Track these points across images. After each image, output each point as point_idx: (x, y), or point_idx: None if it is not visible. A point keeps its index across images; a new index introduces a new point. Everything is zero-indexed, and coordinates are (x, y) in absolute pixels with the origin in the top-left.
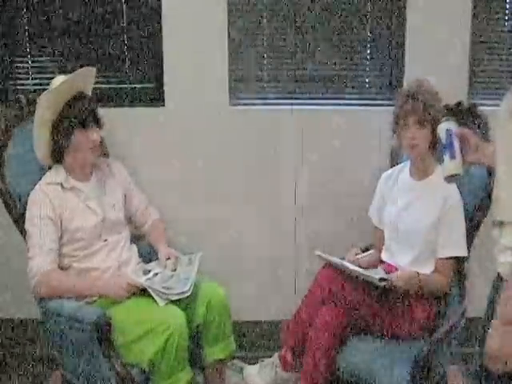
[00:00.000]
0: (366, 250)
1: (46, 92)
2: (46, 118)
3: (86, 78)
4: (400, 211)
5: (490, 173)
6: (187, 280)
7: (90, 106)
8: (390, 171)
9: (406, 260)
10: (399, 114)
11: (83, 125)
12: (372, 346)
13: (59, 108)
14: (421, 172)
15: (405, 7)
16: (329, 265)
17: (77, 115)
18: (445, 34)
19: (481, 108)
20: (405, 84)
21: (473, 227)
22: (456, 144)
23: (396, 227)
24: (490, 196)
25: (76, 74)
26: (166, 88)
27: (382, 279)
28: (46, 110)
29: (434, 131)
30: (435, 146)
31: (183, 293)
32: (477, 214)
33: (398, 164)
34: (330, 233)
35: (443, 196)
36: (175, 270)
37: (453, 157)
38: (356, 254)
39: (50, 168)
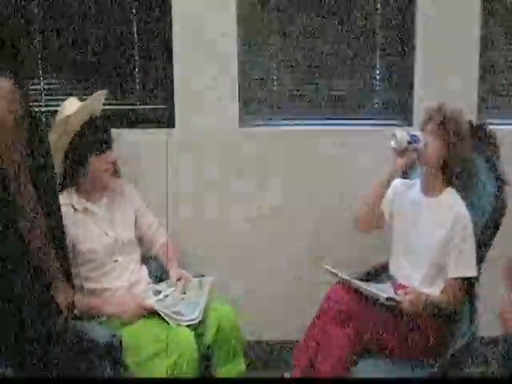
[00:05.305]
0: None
1: (60, 118)
2: (59, 143)
3: (97, 101)
4: (409, 228)
5: (499, 191)
6: (197, 305)
7: (104, 129)
8: (403, 181)
9: (415, 278)
10: (423, 119)
11: (98, 149)
12: (383, 368)
13: (73, 133)
14: (430, 189)
15: (414, 29)
16: (339, 282)
17: (91, 141)
18: (454, 55)
19: (490, 127)
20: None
21: (483, 246)
22: None
23: (405, 244)
24: (500, 215)
25: (90, 99)
26: (176, 109)
27: (388, 298)
28: (60, 135)
29: (448, 152)
30: (446, 168)
31: (192, 319)
32: (487, 233)
33: None
34: (344, 252)
35: (452, 216)
36: (185, 292)
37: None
38: None
39: (61, 191)
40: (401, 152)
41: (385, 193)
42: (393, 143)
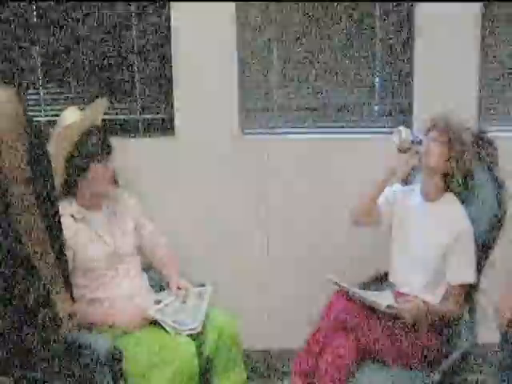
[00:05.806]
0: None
1: (60, 127)
2: (59, 152)
3: (97, 110)
4: (409, 234)
5: (499, 198)
6: (197, 314)
7: (104, 138)
8: (404, 188)
9: (416, 286)
10: (427, 127)
11: (98, 158)
12: (384, 375)
13: (73, 142)
14: (430, 195)
15: (413, 37)
16: (341, 291)
17: (92, 149)
18: (453, 62)
19: (489, 134)
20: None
21: (483, 253)
22: None
23: (405, 251)
24: (500, 221)
25: (90, 108)
26: (176, 118)
27: (389, 306)
28: (60, 144)
29: (450, 160)
30: (447, 175)
31: (192, 329)
32: (487, 239)
33: None
34: (344, 259)
35: (453, 223)
36: (185, 301)
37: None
38: None
39: (60, 200)
40: (402, 150)
41: (384, 187)
42: (396, 139)
